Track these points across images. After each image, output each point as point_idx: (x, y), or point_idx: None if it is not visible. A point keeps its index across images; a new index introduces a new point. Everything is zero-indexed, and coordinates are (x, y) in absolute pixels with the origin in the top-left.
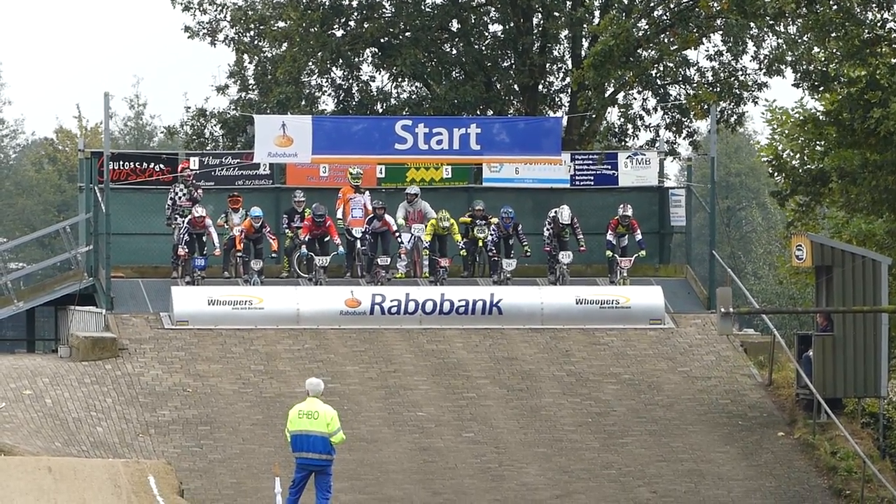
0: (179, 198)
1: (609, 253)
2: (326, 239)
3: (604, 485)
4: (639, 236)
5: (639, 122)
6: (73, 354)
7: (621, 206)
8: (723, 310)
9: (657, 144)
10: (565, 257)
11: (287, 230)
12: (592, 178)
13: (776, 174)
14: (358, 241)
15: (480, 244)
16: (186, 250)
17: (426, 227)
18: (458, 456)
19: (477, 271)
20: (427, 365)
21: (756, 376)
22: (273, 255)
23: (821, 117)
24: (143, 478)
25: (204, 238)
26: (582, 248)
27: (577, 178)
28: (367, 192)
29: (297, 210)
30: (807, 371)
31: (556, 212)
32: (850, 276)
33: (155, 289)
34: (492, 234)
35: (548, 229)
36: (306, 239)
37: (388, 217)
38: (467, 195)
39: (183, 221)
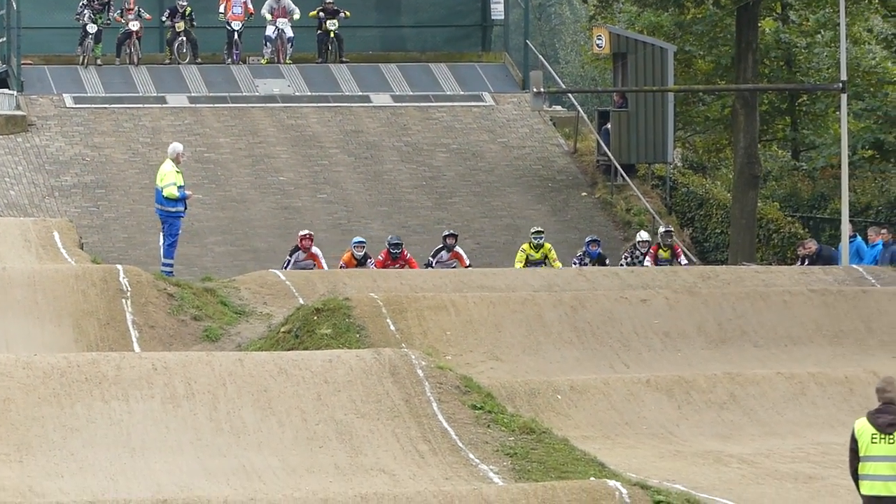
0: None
1: None
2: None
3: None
4: (684, 261)
5: None
6: None
7: (661, 228)
8: (535, 90)
9: None
10: None
11: (168, 23)
12: None
13: None
14: (237, 35)
15: (332, 35)
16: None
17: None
18: (313, 213)
19: (329, 58)
20: (287, 137)
21: (563, 146)
22: None
23: None
24: (49, 233)
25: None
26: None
27: None
28: None
29: (179, 9)
30: (605, 141)
31: None
32: (641, 61)
33: (59, 74)
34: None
35: None
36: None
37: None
38: None
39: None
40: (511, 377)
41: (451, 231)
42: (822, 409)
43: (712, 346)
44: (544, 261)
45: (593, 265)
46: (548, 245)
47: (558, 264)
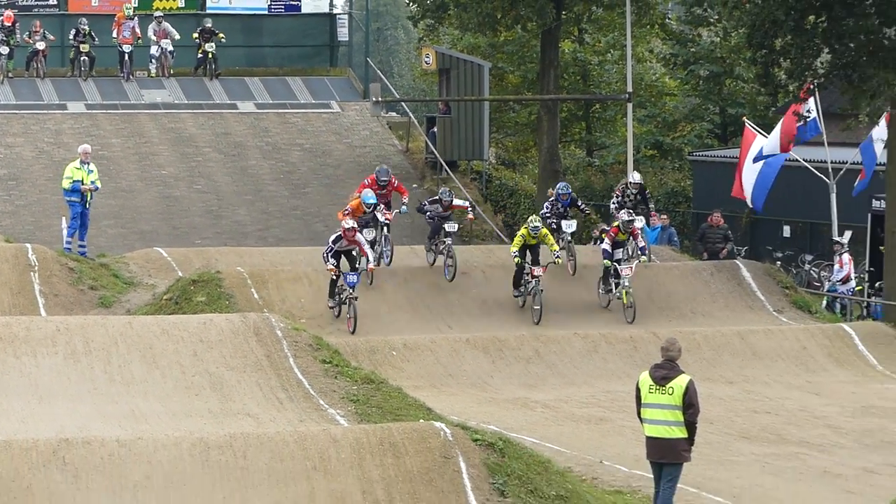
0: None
1: (607, 262)
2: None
3: (292, 221)
4: (641, 242)
5: None
6: None
7: (623, 216)
8: (374, 99)
9: None
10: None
11: (73, 43)
12: (283, 7)
13: (411, 3)
14: (127, 55)
15: (210, 56)
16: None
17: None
18: (190, 201)
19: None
20: (168, 138)
21: (397, 145)
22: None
23: None
24: None
25: (354, 253)
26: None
27: (272, 6)
28: (136, 18)
29: (80, 31)
30: (432, 141)
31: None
32: (462, 75)
33: None
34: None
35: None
36: None
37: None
38: (195, 19)
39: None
40: (354, 337)
41: (449, 194)
42: (611, 363)
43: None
44: (540, 244)
45: (566, 210)
46: (544, 231)
47: (556, 247)
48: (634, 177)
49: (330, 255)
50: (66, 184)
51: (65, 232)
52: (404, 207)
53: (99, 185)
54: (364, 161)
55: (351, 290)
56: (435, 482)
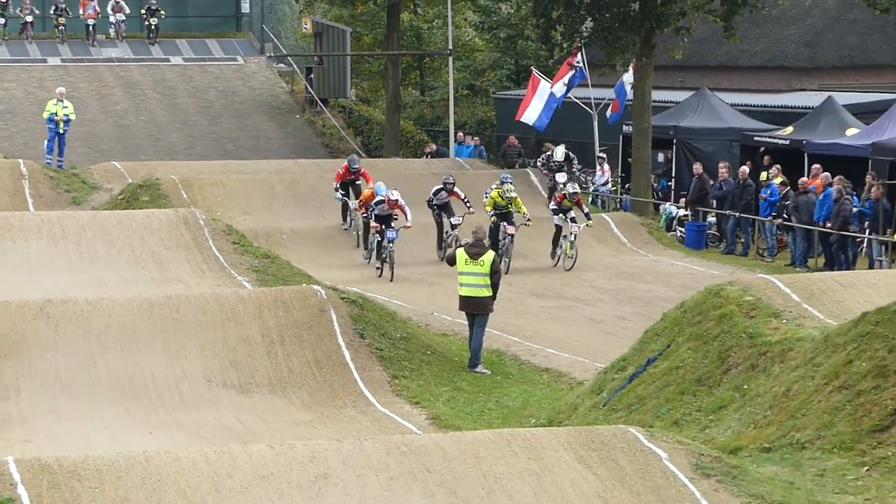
0: None
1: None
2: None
3: (210, 143)
4: (585, 209)
5: None
6: None
7: (570, 188)
8: (268, 55)
9: None
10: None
11: (53, 16)
12: None
13: None
14: (91, 26)
15: (153, 26)
16: (378, 224)
17: None
18: (136, 128)
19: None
20: (120, 83)
21: (285, 88)
22: None
23: None
24: None
25: (394, 214)
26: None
27: None
28: None
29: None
30: (310, 85)
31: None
32: (331, 37)
33: None
34: None
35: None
36: None
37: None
38: None
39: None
40: (255, 224)
41: (452, 179)
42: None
43: None
44: (509, 205)
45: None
46: (516, 196)
47: (524, 209)
48: (557, 154)
49: (373, 214)
50: (45, 115)
51: (46, 150)
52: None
53: (73, 116)
54: (261, 99)
55: (390, 243)
56: (314, 328)
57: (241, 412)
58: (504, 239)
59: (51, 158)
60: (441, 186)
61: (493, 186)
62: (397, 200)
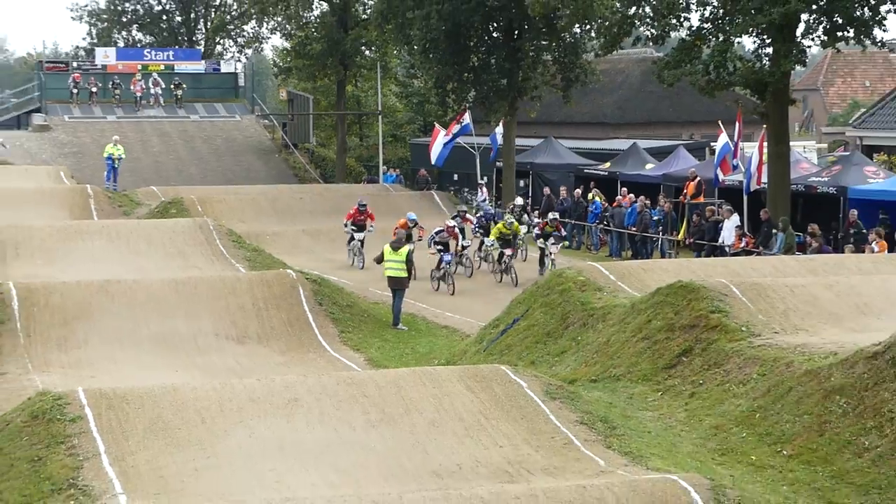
0: None
1: (542, 245)
2: None
3: (217, 174)
4: (563, 233)
5: None
6: None
7: (550, 213)
8: (257, 114)
9: None
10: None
11: (111, 88)
12: (212, 69)
13: (275, 68)
14: (138, 97)
15: (179, 95)
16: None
17: None
18: (167, 164)
19: (178, 103)
20: (156, 133)
21: (268, 136)
22: None
23: None
24: (59, 173)
25: (450, 242)
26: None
27: (207, 69)
28: (142, 78)
29: (114, 82)
30: (285, 134)
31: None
32: (299, 102)
33: (60, 109)
34: None
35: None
36: None
37: None
38: (170, 76)
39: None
40: (248, 229)
41: (464, 210)
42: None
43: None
44: (513, 235)
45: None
46: (516, 225)
47: (520, 230)
48: (518, 201)
49: (433, 243)
50: (105, 154)
51: (105, 179)
52: (372, 228)
53: (124, 156)
54: (252, 144)
55: (447, 265)
56: (287, 299)
57: (238, 357)
58: (509, 260)
59: (108, 184)
60: (441, 229)
61: (499, 220)
62: (454, 227)
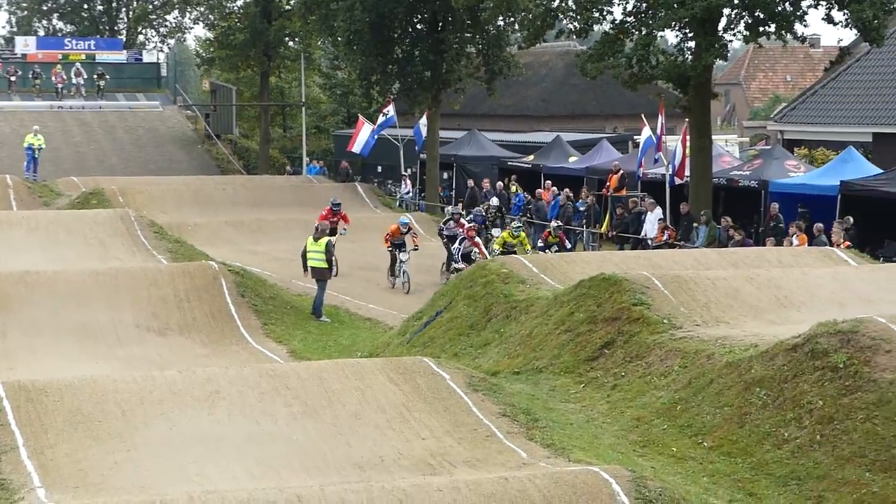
0: None
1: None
2: None
3: (139, 164)
4: (568, 244)
5: None
6: None
7: (553, 223)
8: (179, 104)
9: None
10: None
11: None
12: (134, 59)
13: (198, 58)
14: (59, 87)
15: (102, 85)
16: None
17: None
18: (88, 154)
19: (100, 93)
20: (77, 123)
21: (191, 126)
22: None
23: None
24: None
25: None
26: None
27: (128, 59)
28: (63, 68)
29: (35, 72)
30: (208, 125)
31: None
32: (222, 93)
33: None
34: None
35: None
36: None
37: None
38: (92, 66)
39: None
40: (169, 220)
41: (458, 213)
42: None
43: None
44: (516, 245)
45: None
46: (523, 234)
47: (528, 245)
48: (493, 202)
49: (449, 242)
50: (24, 144)
51: (24, 169)
52: (344, 231)
53: (44, 145)
54: (174, 134)
55: (456, 265)
56: (210, 290)
57: (160, 349)
58: None
59: (28, 174)
60: (449, 217)
61: (502, 231)
62: (472, 228)
